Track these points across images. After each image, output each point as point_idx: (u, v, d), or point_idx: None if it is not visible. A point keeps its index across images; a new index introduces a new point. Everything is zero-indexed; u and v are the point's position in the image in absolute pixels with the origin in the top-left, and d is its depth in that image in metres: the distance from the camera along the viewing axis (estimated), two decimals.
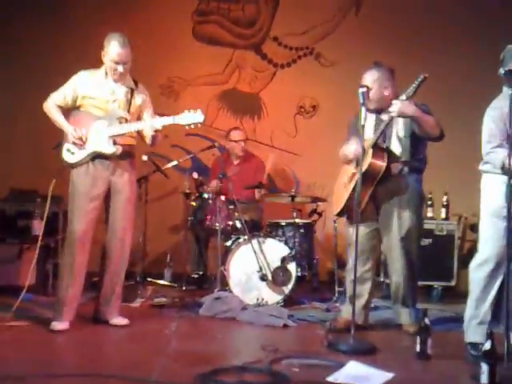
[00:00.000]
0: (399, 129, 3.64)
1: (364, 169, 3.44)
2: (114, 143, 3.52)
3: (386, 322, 3.93)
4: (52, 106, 3.57)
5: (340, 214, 3.83)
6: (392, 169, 3.61)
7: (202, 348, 3.24)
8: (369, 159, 3.52)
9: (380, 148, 3.60)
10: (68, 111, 3.61)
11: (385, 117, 3.56)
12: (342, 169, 3.90)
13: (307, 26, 6.06)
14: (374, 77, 3.63)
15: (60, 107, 3.57)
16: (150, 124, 3.54)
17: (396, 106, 3.41)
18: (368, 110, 3.57)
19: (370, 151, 3.55)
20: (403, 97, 3.43)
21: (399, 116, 3.48)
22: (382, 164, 3.55)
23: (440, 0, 5.84)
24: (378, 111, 3.68)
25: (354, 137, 3.68)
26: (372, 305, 3.95)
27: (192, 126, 3.48)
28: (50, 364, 2.81)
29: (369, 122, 3.65)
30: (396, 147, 3.64)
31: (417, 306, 3.73)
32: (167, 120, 3.50)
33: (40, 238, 3.77)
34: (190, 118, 3.45)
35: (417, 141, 3.62)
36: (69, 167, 3.57)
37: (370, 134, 3.67)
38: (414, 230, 3.65)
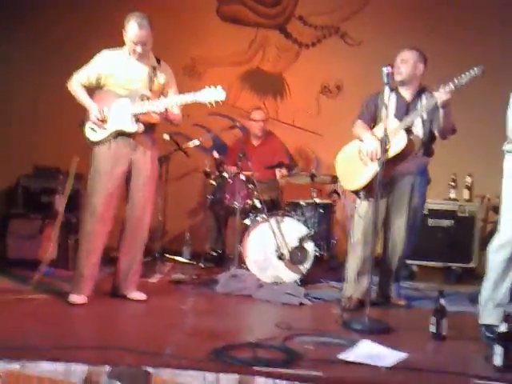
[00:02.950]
0: (423, 112, 3.69)
1: (398, 151, 3.57)
2: (137, 121, 3.54)
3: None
4: (76, 85, 3.60)
5: (359, 191, 3.80)
6: (416, 146, 3.70)
7: (217, 324, 3.28)
8: (404, 142, 3.58)
9: (409, 131, 3.66)
10: (93, 90, 3.64)
11: (428, 102, 3.59)
12: (350, 144, 3.92)
13: (333, 5, 5.96)
14: (413, 53, 3.77)
15: (84, 86, 3.60)
16: (172, 101, 3.55)
17: (446, 96, 3.40)
18: (391, 88, 3.63)
19: (404, 134, 3.59)
20: (451, 86, 3.39)
21: (441, 104, 3.47)
22: (414, 147, 3.66)
23: None
24: (401, 87, 3.76)
25: (369, 115, 3.83)
26: None
27: (214, 104, 3.45)
28: (67, 336, 2.86)
29: (391, 100, 3.71)
30: (419, 127, 3.73)
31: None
32: (188, 97, 3.49)
33: (62, 214, 3.83)
34: (211, 94, 3.42)
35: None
36: (91, 145, 3.61)
37: (391, 113, 3.71)
38: (420, 211, 3.88)
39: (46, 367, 2.43)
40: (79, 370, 2.42)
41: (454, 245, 4.87)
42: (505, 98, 3.15)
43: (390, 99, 3.67)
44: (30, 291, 3.54)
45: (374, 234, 3.42)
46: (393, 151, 3.56)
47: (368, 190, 3.70)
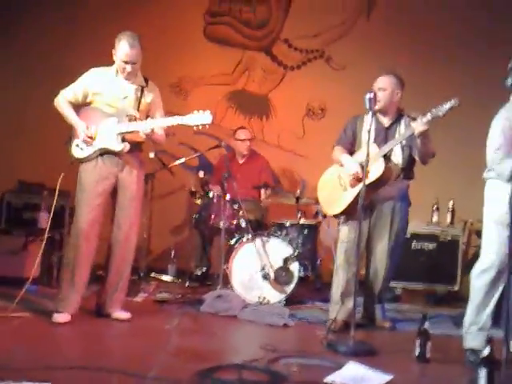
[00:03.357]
0: (402, 141, 3.72)
1: (375, 178, 3.61)
2: (123, 140, 3.55)
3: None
4: (63, 101, 3.60)
5: (338, 216, 3.88)
6: (394, 173, 3.75)
7: (201, 345, 3.26)
8: (381, 169, 3.62)
9: (388, 158, 3.71)
10: (79, 107, 3.64)
11: (406, 132, 3.64)
12: (330, 169, 3.98)
13: (318, 29, 6.07)
14: (391, 80, 3.79)
15: (71, 103, 3.60)
16: (159, 123, 3.57)
17: (423, 127, 3.43)
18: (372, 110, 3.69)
19: (382, 161, 3.64)
20: (428, 117, 3.42)
21: (418, 134, 3.50)
22: (390, 175, 3.70)
23: (452, 2, 5.81)
24: (380, 113, 3.79)
25: (347, 141, 3.88)
26: None
27: (200, 127, 3.49)
28: (50, 356, 2.83)
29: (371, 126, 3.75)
30: (398, 154, 3.77)
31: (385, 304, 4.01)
32: (176, 120, 3.51)
33: (46, 231, 3.79)
34: (199, 118, 3.45)
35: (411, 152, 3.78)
36: (77, 162, 3.60)
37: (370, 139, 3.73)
38: (402, 234, 3.90)
39: None
40: None
41: (437, 268, 4.92)
42: (489, 123, 3.22)
43: (368, 124, 3.72)
44: (12, 309, 3.48)
45: (356, 256, 3.44)
46: (371, 178, 3.60)
47: (347, 215, 3.78)
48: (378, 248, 3.82)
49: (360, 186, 3.65)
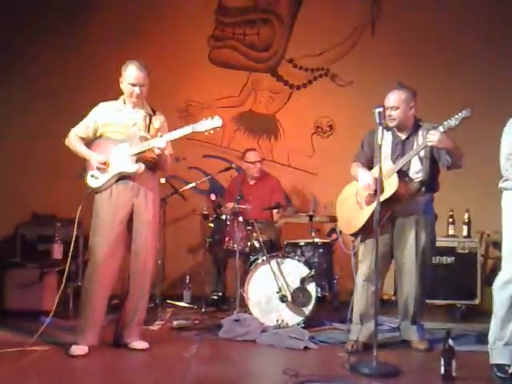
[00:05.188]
0: (415, 155, 3.65)
1: (389, 195, 3.53)
2: (137, 161, 3.54)
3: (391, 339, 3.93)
4: (74, 139, 3.63)
5: (355, 235, 3.81)
6: (411, 189, 3.66)
7: (221, 372, 3.21)
8: (394, 187, 3.54)
9: (403, 174, 3.63)
10: (90, 143, 3.67)
11: (419, 146, 3.58)
12: (349, 186, 3.92)
13: (323, 47, 6.10)
14: (402, 96, 3.70)
15: (82, 139, 3.63)
16: (172, 135, 3.55)
17: (435, 138, 3.40)
18: (386, 127, 3.68)
19: (396, 178, 3.55)
20: (441, 128, 3.41)
21: (435, 147, 3.48)
22: (405, 192, 3.61)
23: (456, 17, 5.85)
24: (396, 128, 3.74)
25: (365, 157, 3.82)
26: None
27: (211, 132, 3.50)
28: None
29: (386, 139, 3.72)
30: (417, 166, 3.69)
31: (422, 323, 3.84)
32: (187, 129, 3.52)
33: (66, 262, 3.74)
34: (209, 123, 3.48)
35: (434, 162, 3.69)
36: (93, 192, 3.60)
37: (387, 152, 3.73)
38: (429, 249, 3.76)
39: None
40: None
41: (456, 282, 4.83)
42: (501, 134, 3.19)
43: (384, 139, 3.67)
44: (31, 343, 3.45)
45: (374, 275, 3.38)
46: (385, 195, 3.53)
47: (364, 233, 3.71)
48: (405, 266, 3.71)
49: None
